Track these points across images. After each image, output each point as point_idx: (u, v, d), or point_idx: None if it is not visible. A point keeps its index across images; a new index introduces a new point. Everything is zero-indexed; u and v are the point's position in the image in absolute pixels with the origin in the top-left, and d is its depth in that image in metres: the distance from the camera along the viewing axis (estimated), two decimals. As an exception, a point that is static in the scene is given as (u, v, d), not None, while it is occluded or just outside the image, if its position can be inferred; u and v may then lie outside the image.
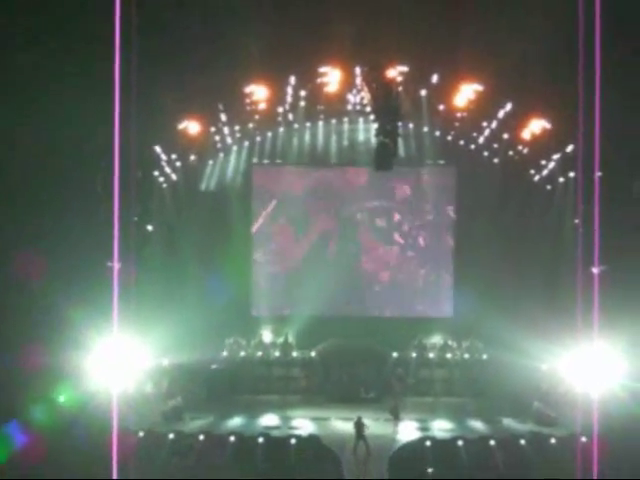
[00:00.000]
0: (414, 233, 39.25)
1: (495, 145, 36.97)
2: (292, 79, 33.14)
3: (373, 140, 28.19)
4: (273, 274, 39.46)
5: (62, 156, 27.49)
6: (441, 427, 30.23)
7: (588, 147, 18.20)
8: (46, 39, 25.33)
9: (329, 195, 39.27)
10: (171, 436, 26.60)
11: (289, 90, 34.12)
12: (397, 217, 39.21)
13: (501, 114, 34.20)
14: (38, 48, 25.19)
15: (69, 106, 26.06)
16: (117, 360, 20.80)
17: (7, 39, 24.96)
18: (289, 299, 39.05)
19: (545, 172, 36.58)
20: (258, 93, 33.35)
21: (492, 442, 26.38)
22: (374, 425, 28.59)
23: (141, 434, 26.25)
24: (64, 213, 29.01)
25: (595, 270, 19.05)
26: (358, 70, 31.85)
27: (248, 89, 33.05)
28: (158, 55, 25.43)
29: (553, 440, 26.60)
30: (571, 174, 34.31)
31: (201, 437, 26.72)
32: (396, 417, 30.93)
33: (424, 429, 29.88)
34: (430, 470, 24.66)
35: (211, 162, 38.70)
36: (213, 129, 36.17)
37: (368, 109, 33.29)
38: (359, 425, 27.06)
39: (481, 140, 36.97)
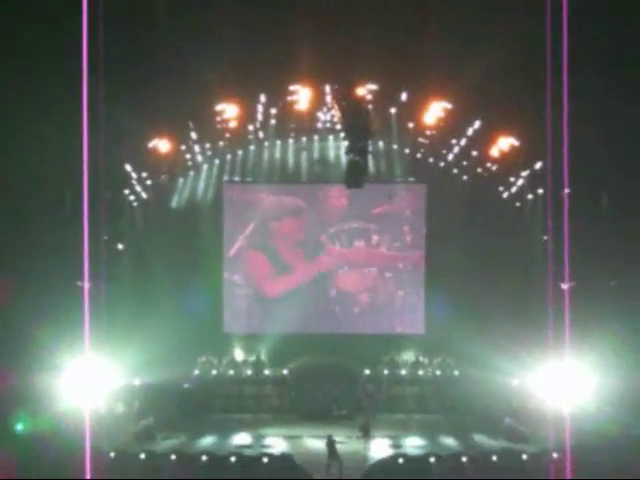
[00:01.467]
0: (393, 254, 39.19)
1: (464, 162, 37.17)
2: (262, 97, 33.26)
3: (344, 158, 28.26)
4: (247, 295, 39.35)
5: (30, 175, 27.37)
6: (413, 444, 30.21)
7: (556, 163, 18.39)
8: (14, 59, 25.25)
9: (305, 214, 39.14)
10: (142, 456, 26.38)
11: (259, 108, 34.23)
12: (375, 238, 39.16)
13: (470, 131, 34.47)
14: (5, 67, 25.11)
15: (37, 126, 26.02)
16: (88, 380, 20.71)
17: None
18: (261, 317, 38.92)
19: (514, 189, 36.83)
20: (228, 111, 33.46)
21: (464, 459, 26.32)
22: (346, 443, 28.53)
23: (112, 454, 26.01)
24: (33, 232, 28.89)
25: (565, 286, 19.20)
26: (328, 88, 32.03)
27: (218, 107, 33.13)
28: (127, 73, 25.46)
29: (525, 456, 26.58)
30: (539, 191, 34.56)
31: (173, 457, 26.52)
32: (367, 434, 30.85)
33: (396, 446, 29.83)
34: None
35: (182, 180, 38.60)
36: (183, 147, 36.15)
37: (338, 127, 33.36)
38: (330, 443, 26.99)
39: (450, 157, 37.16)
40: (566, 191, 18.40)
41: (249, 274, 39.44)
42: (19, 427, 26.26)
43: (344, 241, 39.05)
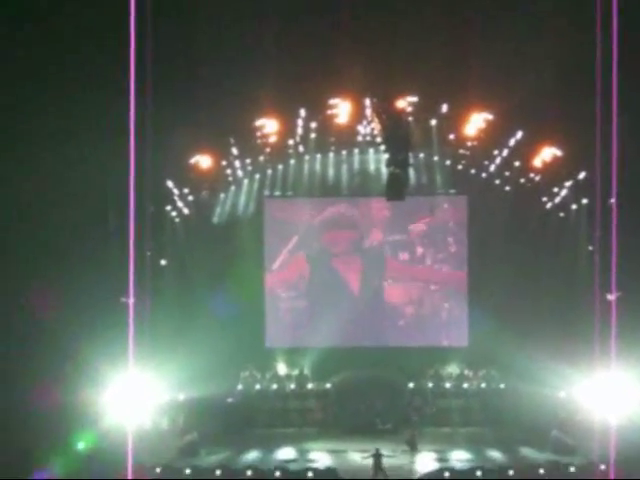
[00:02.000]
0: (437, 267, 39.12)
1: (507, 173, 36.94)
2: (302, 111, 33.30)
3: (384, 170, 28.20)
4: (290, 308, 39.38)
5: (75, 191, 27.62)
6: (459, 457, 30.00)
7: (603, 173, 18.20)
8: (60, 75, 25.54)
9: (349, 228, 39.14)
10: (188, 471, 26.46)
11: (299, 122, 34.27)
12: (420, 251, 39.06)
13: (512, 142, 34.27)
14: (54, 86, 25.41)
15: (81, 142, 26.28)
16: (133, 396, 20.77)
17: (19, 78, 25.22)
18: (303, 330, 38.92)
19: (557, 199, 36.55)
20: (269, 126, 33.56)
21: (511, 472, 26.15)
22: (392, 457, 28.41)
23: (158, 470, 26.11)
24: (77, 248, 29.14)
25: (611, 297, 18.96)
26: (368, 101, 31.98)
27: (258, 122, 33.24)
28: (169, 89, 25.61)
29: (572, 469, 26.37)
30: (584, 201, 34.27)
31: (218, 472, 26.56)
32: (413, 448, 30.68)
33: (442, 460, 29.64)
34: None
35: (223, 195, 38.76)
36: (224, 163, 36.29)
37: (378, 140, 33.32)
38: (377, 457, 26.88)
39: (492, 168, 36.96)
40: (613, 200, 18.21)
41: (294, 286, 39.45)
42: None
43: (389, 254, 38.98)
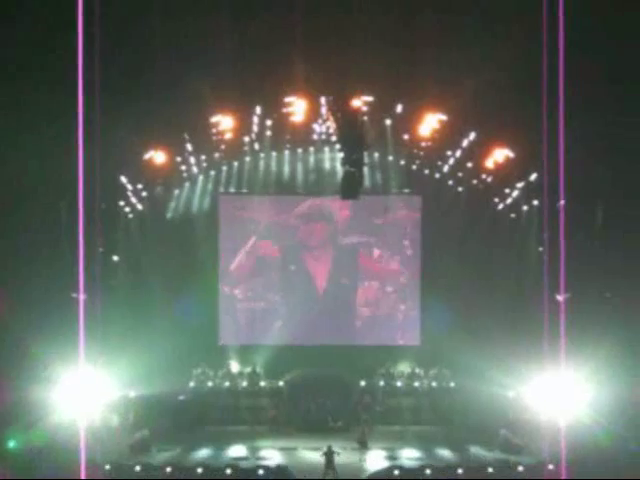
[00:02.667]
0: (392, 267, 39.21)
1: (460, 174, 37.21)
2: (258, 109, 33.29)
3: (339, 169, 28.26)
4: (246, 308, 39.30)
5: (25, 187, 27.35)
6: (409, 456, 30.15)
7: (552, 175, 18.41)
8: (10, 70, 25.29)
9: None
10: (138, 468, 26.32)
11: (255, 120, 34.24)
12: (376, 252, 39.18)
13: (465, 143, 34.53)
14: (2, 81, 25.15)
15: (32, 138, 26.01)
16: (83, 392, 20.64)
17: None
18: (257, 329, 38.88)
19: (509, 200, 36.87)
20: (224, 123, 33.47)
21: (460, 470, 26.33)
22: (342, 454, 28.50)
23: (108, 467, 25.94)
24: (28, 244, 28.84)
25: (560, 298, 19.20)
26: (323, 100, 32.05)
27: (214, 119, 33.15)
28: (122, 86, 25.48)
29: (521, 468, 26.59)
30: (535, 202, 34.61)
31: (168, 469, 26.45)
32: (364, 446, 30.84)
33: (392, 458, 29.78)
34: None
35: (177, 192, 38.60)
36: (179, 159, 36.15)
37: (334, 138, 33.42)
38: (329, 454, 26.94)
39: (446, 169, 37.23)
40: (561, 203, 18.43)
41: (249, 284, 39.34)
42: (11, 445, 26.12)
43: (345, 254, 39.11)
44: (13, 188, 27.04)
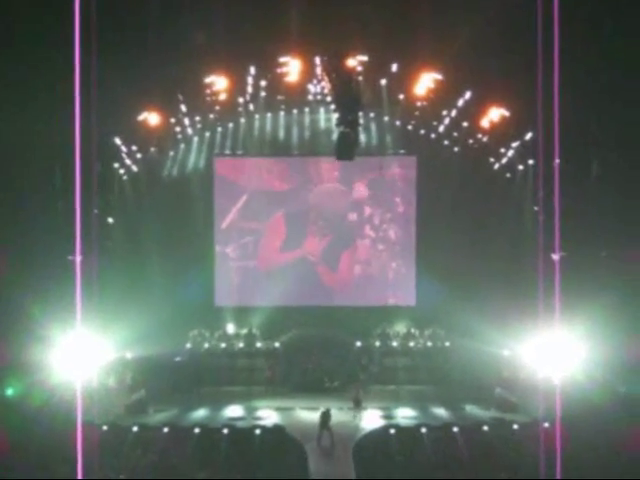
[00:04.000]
0: (385, 226, 39.23)
1: (455, 134, 37.10)
2: (252, 69, 33.05)
3: (334, 130, 28.18)
4: (239, 267, 39.32)
5: (20, 148, 27.24)
6: (405, 415, 30.42)
7: (547, 134, 18.34)
8: (2, 28, 25.09)
9: (298, 189, 39.06)
10: (135, 429, 26.53)
11: (249, 80, 34.03)
12: (368, 211, 39.16)
13: (460, 103, 34.34)
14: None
15: (26, 98, 25.86)
16: (80, 354, 20.68)
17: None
18: (253, 290, 38.93)
19: (504, 160, 36.81)
20: (218, 83, 33.27)
21: (455, 429, 26.63)
22: (338, 414, 28.70)
23: (105, 427, 26.14)
24: (23, 207, 28.79)
25: (555, 257, 19.20)
26: (318, 60, 31.85)
27: (208, 79, 32.95)
28: (116, 47, 25.27)
29: (516, 426, 26.89)
30: (530, 162, 34.55)
31: (165, 429, 26.67)
32: (359, 405, 31.06)
33: (388, 417, 30.04)
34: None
35: (172, 153, 38.49)
36: (173, 120, 35.99)
37: (329, 99, 33.25)
38: (325, 416, 27.13)
39: (441, 129, 37.10)
40: (557, 162, 18.37)
41: (245, 243, 39.35)
42: (9, 392, 26.40)
43: (337, 214, 39.04)
44: (6, 151, 26.92)
